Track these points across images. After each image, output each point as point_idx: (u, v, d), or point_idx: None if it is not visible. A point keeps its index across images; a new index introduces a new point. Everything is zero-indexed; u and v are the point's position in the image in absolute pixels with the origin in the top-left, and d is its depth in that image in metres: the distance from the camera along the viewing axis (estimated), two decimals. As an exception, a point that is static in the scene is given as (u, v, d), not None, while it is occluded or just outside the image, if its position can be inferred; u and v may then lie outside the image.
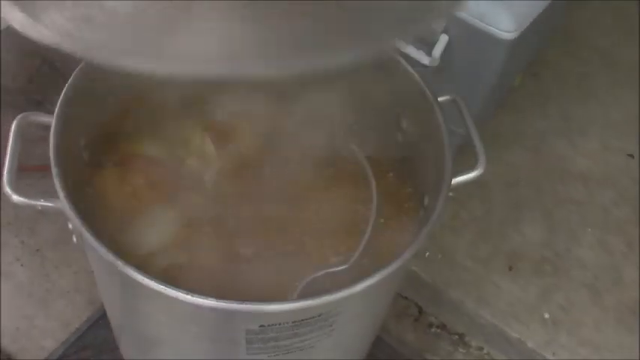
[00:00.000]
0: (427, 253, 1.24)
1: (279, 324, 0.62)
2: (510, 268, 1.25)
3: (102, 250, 0.59)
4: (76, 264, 1.23)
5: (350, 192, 0.79)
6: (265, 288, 0.70)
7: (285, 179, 0.79)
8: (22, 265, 1.20)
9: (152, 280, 0.57)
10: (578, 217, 1.31)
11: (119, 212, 0.75)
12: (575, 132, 1.42)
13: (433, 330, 1.24)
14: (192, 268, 0.71)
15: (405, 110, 0.79)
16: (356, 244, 0.75)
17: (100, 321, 1.17)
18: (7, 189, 0.63)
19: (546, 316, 1.20)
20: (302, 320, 0.62)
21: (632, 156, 1.40)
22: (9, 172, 0.64)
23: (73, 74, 0.70)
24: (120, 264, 0.58)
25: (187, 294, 0.57)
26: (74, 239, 0.70)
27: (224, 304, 0.57)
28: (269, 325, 0.62)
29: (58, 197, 0.65)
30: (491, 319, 1.19)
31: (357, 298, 0.62)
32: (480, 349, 1.23)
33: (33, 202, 0.64)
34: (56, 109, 0.67)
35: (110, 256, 0.58)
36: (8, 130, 0.67)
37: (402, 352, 1.18)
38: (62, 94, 0.68)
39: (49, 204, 0.64)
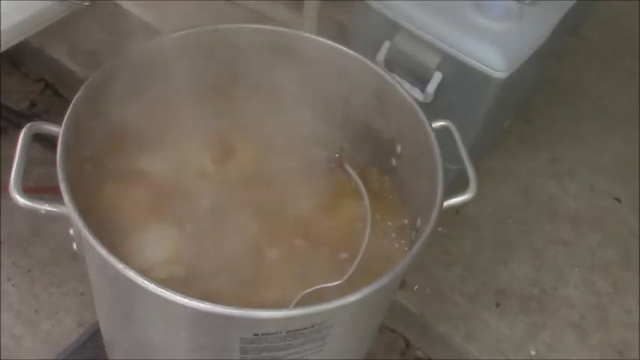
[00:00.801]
0: (416, 287, 1.25)
1: (274, 333, 0.63)
2: (498, 305, 1.26)
3: (103, 253, 0.60)
4: (66, 286, 1.23)
5: (346, 212, 0.81)
6: (262, 302, 0.71)
7: (281, 198, 0.81)
8: (12, 285, 1.21)
9: (152, 283, 0.58)
10: (566, 257, 1.33)
11: (120, 225, 0.76)
12: (564, 174, 1.46)
13: (420, 364, 1.25)
14: (191, 282, 0.72)
15: (399, 135, 0.82)
16: (350, 261, 0.76)
17: (87, 343, 1.17)
18: (15, 193, 0.65)
19: (532, 353, 1.21)
20: (295, 330, 0.63)
21: (618, 200, 1.43)
22: (16, 177, 0.66)
23: (82, 87, 0.72)
24: (121, 266, 0.60)
25: (185, 297, 0.59)
26: (74, 246, 0.71)
27: (220, 309, 0.58)
28: (263, 335, 0.63)
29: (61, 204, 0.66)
30: (479, 355, 1.20)
31: (350, 309, 0.63)
32: (467, 381, 1.23)
33: (38, 206, 0.65)
34: (65, 118, 0.69)
35: (111, 259, 0.59)
36: (11, 149, 0.69)
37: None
38: (71, 105, 0.70)
39: (54, 209, 0.66)
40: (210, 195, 0.80)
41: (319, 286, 0.72)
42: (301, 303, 0.71)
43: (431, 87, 1.09)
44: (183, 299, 0.59)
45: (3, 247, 1.23)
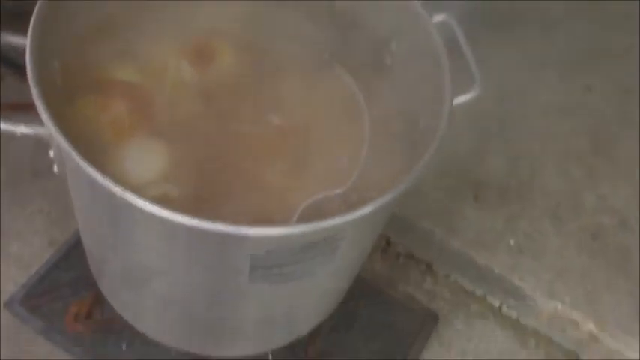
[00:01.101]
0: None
1: (286, 248, 0.60)
2: (476, 198, 1.26)
3: (97, 177, 0.55)
4: (30, 206, 1.16)
5: (341, 116, 0.76)
6: (263, 215, 0.67)
7: (270, 105, 0.76)
8: (-30, 209, 1.13)
9: (159, 206, 0.53)
10: (540, 147, 1.33)
11: (100, 143, 0.70)
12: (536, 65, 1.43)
13: (401, 260, 1.25)
14: (185, 199, 0.67)
15: (395, 33, 0.76)
16: (350, 167, 0.73)
17: (61, 263, 1.12)
18: (-17, 115, 0.58)
19: (512, 242, 1.23)
20: (310, 244, 0.60)
21: (589, 88, 1.42)
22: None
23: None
24: (118, 190, 0.54)
25: (194, 219, 0.54)
26: (55, 169, 0.65)
27: (234, 229, 0.54)
28: (275, 250, 0.59)
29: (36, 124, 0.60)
30: (459, 248, 1.21)
31: (366, 219, 0.60)
32: (447, 277, 1.25)
33: (13, 128, 0.58)
34: (30, 27, 0.61)
35: (107, 182, 0.54)
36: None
37: (372, 283, 1.19)
38: (35, 12, 0.62)
39: (30, 130, 0.59)
40: (195, 104, 0.74)
41: (322, 195, 0.69)
42: (304, 214, 0.68)
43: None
44: (191, 220, 0.54)
45: (-43, 171, 1.15)
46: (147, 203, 0.53)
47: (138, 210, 0.54)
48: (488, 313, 1.22)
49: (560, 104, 1.40)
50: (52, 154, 0.63)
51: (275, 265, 0.62)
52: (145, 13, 0.75)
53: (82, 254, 1.10)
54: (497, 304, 1.22)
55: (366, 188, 0.71)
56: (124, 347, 1.04)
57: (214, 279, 0.65)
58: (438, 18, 0.74)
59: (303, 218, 0.67)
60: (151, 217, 0.54)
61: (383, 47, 0.78)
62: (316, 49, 0.80)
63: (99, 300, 1.05)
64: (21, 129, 0.59)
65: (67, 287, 1.09)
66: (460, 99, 0.70)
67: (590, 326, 1.14)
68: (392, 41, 0.77)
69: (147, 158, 0.69)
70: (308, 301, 0.75)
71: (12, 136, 0.60)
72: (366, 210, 0.57)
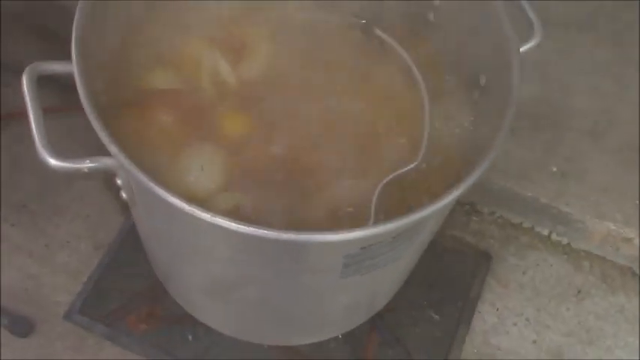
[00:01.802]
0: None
1: (380, 242, 0.58)
2: (512, 130, 1.23)
3: (183, 205, 0.52)
4: (69, 212, 1.14)
5: (396, 84, 0.73)
6: (340, 205, 0.65)
7: (319, 85, 0.72)
8: (12, 225, 1.11)
9: (258, 227, 0.51)
10: (566, 66, 1.30)
11: (155, 157, 0.67)
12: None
13: (445, 204, 1.24)
14: (256, 205, 0.64)
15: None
16: (412, 140, 0.70)
17: (111, 265, 1.11)
18: (47, 156, 0.54)
19: (554, 169, 1.21)
20: (403, 233, 0.58)
21: (604, -6, 1.37)
22: (40, 136, 0.55)
23: (77, 12, 0.59)
24: (207, 216, 0.52)
25: (293, 233, 0.52)
26: (123, 195, 0.62)
27: (334, 236, 0.52)
28: (370, 246, 0.58)
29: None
30: (502, 183, 1.19)
31: (452, 200, 0.58)
32: (492, 213, 1.24)
33: (79, 166, 0.55)
34: (73, 52, 0.57)
35: (196, 210, 0.51)
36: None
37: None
38: (73, 35, 0.58)
39: (98, 164, 0.56)
40: (241, 101, 0.70)
41: (397, 173, 0.66)
42: (383, 193, 0.66)
43: None
44: (289, 235, 0.52)
45: (-13, 188, 1.12)
46: (245, 226, 0.50)
47: (232, 232, 0.51)
48: (538, 244, 1.22)
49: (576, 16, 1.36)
50: (119, 181, 0.60)
51: (367, 258, 0.60)
52: (172, 14, 0.70)
53: (130, 253, 1.09)
54: (546, 232, 1.21)
55: (433, 154, 0.68)
56: (190, 338, 1.04)
57: (305, 282, 0.63)
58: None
59: (382, 199, 0.64)
60: (247, 236, 0.52)
61: (424, 3, 0.74)
62: (351, 18, 0.75)
63: (156, 297, 1.04)
64: (87, 164, 0.56)
65: (122, 289, 1.08)
66: (525, 47, 0.66)
67: (644, 240, 1.13)
68: (432, -5, 0.73)
69: (207, 168, 0.66)
70: (391, 280, 0.74)
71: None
72: (455, 194, 0.55)
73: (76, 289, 1.08)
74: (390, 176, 0.65)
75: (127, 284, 1.08)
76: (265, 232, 0.50)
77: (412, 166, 0.66)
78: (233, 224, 0.51)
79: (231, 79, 0.72)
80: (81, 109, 0.54)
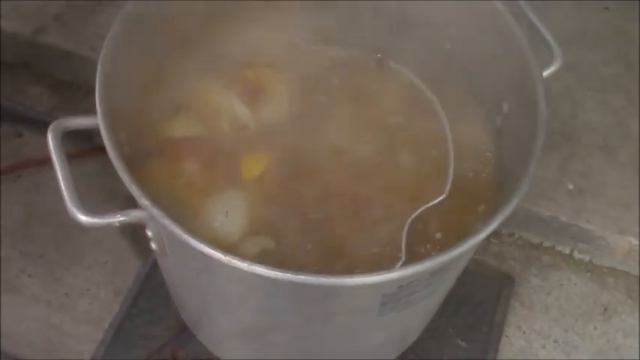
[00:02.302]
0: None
1: (417, 280, 0.57)
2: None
3: (219, 255, 0.51)
4: (87, 259, 1.13)
5: (415, 118, 0.72)
6: (369, 244, 0.64)
7: (339, 122, 0.72)
8: (30, 276, 1.10)
9: (295, 273, 0.50)
10: (574, 81, 1.30)
11: (179, 206, 0.66)
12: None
13: (463, 228, 1.23)
14: (284, 247, 0.64)
15: (452, 15, 0.72)
16: (436, 172, 0.69)
17: (132, 311, 1.09)
18: (76, 212, 0.54)
19: (570, 187, 1.20)
20: (439, 270, 0.57)
21: (607, 8, 1.38)
22: (70, 194, 0.54)
23: (98, 68, 0.59)
24: (245, 265, 0.51)
25: (330, 277, 0.51)
26: (153, 246, 0.61)
27: (371, 278, 0.51)
28: (407, 284, 0.57)
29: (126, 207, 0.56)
30: (521, 204, 1.18)
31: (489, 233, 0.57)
32: (512, 235, 1.23)
33: (111, 220, 0.54)
34: (98, 106, 0.57)
35: (235, 260, 0.51)
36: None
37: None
38: (97, 87, 0.57)
39: (128, 218, 0.55)
40: (261, 144, 0.70)
41: (425, 207, 0.65)
42: (412, 229, 0.65)
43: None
44: (328, 279, 0.51)
45: (3, 240, 1.11)
46: (284, 273, 0.50)
47: (270, 280, 0.51)
48: (560, 263, 1.20)
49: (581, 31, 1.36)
50: (149, 233, 0.59)
51: (405, 296, 0.59)
52: (186, 61, 0.70)
53: (150, 298, 1.08)
54: (567, 251, 1.20)
55: (458, 185, 0.68)
56: (216, 379, 1.02)
57: (341, 323, 0.62)
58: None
59: (413, 234, 0.64)
60: (284, 283, 0.51)
61: (440, 32, 0.74)
62: (367, 52, 0.75)
63: (181, 340, 1.03)
64: (118, 219, 0.55)
65: (146, 335, 1.07)
66: (547, 73, 0.66)
67: (667, 252, 1.12)
68: (450, 25, 0.73)
69: (232, 214, 0.65)
70: (425, 313, 0.73)
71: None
72: (490, 228, 0.55)
73: (98, 337, 1.07)
74: (418, 211, 0.64)
75: (150, 330, 1.07)
76: (305, 277, 0.50)
77: (440, 199, 0.65)
78: (272, 272, 0.50)
79: (250, 122, 0.71)
80: (95, 154, 0.54)
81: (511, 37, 0.65)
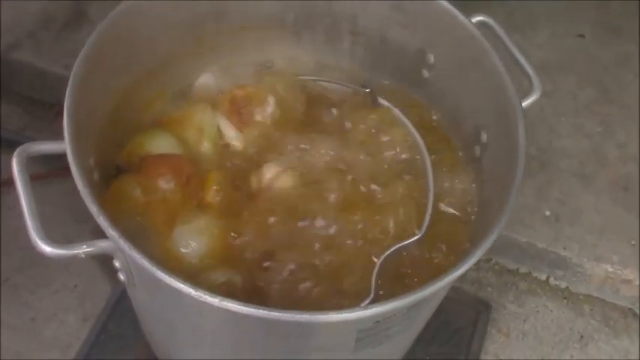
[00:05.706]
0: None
1: (395, 315, 0.55)
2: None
3: (188, 290, 0.49)
4: (54, 283, 1.10)
5: (399, 151, 0.71)
6: (340, 279, 0.62)
7: (321, 151, 0.69)
8: (-6, 301, 1.06)
9: (272, 310, 0.48)
10: (550, 107, 1.30)
11: (145, 227, 0.64)
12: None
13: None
14: (249, 279, 0.61)
15: (429, 42, 0.71)
16: (420, 206, 0.68)
17: (101, 336, 1.06)
18: (39, 243, 0.51)
19: (547, 213, 1.20)
20: (415, 305, 0.56)
21: (582, 35, 1.39)
22: (34, 223, 0.52)
23: (67, 92, 0.56)
24: (216, 300, 0.49)
25: (305, 314, 0.49)
26: (121, 277, 0.59)
27: (348, 315, 0.50)
28: (384, 320, 0.55)
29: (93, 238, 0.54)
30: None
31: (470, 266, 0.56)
32: (489, 261, 1.22)
33: (76, 252, 0.52)
34: (65, 128, 0.55)
35: (202, 295, 0.49)
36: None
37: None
38: (65, 114, 0.55)
39: (95, 249, 0.53)
40: (242, 168, 0.68)
41: (399, 245, 0.64)
42: (385, 267, 0.63)
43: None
44: (304, 316, 0.49)
45: (-33, 263, 1.07)
46: (259, 310, 0.48)
47: (243, 316, 0.49)
48: (537, 289, 1.20)
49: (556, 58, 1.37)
50: (117, 264, 0.57)
51: (382, 330, 0.58)
52: (157, 78, 0.68)
53: (120, 324, 1.06)
54: (543, 277, 1.20)
55: (438, 221, 0.66)
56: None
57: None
58: (476, 18, 0.69)
59: (385, 271, 0.62)
60: (254, 319, 0.49)
61: (417, 61, 0.73)
62: (355, 87, 0.73)
63: (149, 368, 1.00)
64: (84, 249, 0.53)
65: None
66: (526, 103, 0.65)
67: (644, 280, 1.12)
68: (427, 53, 0.72)
69: (199, 241, 0.63)
70: (403, 346, 0.71)
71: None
72: (471, 262, 0.53)
73: (67, 364, 1.03)
74: (392, 249, 0.63)
75: (118, 357, 1.04)
76: (280, 314, 0.48)
77: (416, 237, 0.64)
78: (245, 308, 0.48)
79: (237, 142, 0.69)
80: (64, 174, 0.52)
81: (490, 66, 0.64)
